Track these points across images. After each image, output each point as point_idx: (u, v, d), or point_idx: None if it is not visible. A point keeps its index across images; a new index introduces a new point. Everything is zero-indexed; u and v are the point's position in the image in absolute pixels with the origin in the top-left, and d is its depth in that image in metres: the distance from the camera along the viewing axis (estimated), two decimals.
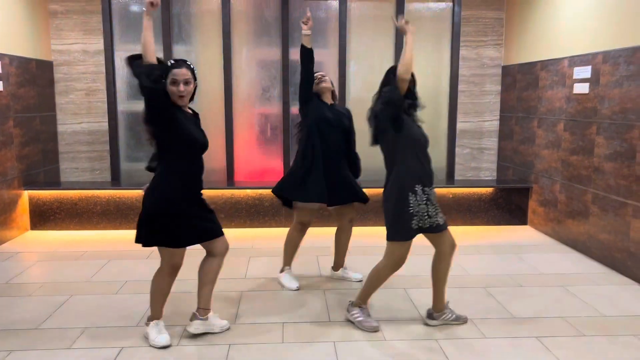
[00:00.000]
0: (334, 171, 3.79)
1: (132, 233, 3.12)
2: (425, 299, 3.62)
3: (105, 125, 6.17)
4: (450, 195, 5.91)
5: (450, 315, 3.35)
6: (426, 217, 3.09)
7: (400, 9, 6.10)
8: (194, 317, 3.15)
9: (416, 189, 3.06)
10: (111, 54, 6.03)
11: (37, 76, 5.71)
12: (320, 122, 3.76)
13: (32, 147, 5.63)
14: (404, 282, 4.02)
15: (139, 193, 5.59)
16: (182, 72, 2.90)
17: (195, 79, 3.00)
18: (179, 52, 6.11)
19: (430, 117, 6.36)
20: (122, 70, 6.10)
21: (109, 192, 5.66)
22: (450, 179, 6.38)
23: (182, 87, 2.89)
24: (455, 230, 5.64)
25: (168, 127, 2.88)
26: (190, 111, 3.08)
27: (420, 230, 3.12)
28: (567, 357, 2.96)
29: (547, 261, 4.68)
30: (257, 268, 4.44)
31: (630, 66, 4.17)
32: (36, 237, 5.41)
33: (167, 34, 5.99)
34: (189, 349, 3.03)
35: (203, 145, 3.02)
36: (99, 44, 6.06)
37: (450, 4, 6.22)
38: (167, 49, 6.01)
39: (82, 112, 6.16)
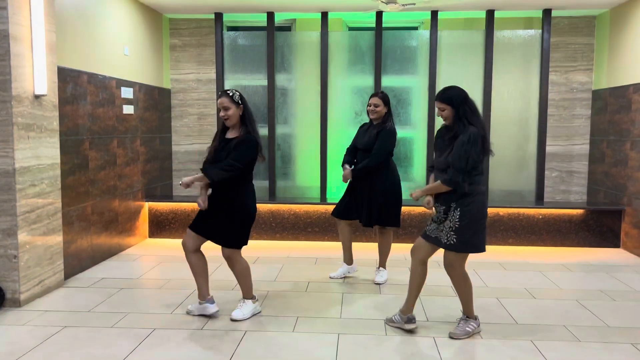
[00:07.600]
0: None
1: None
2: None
3: None
4: (540, 216, 6.02)
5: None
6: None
7: (489, 36, 6.38)
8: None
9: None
10: (222, 82, 6.72)
11: (158, 102, 6.49)
12: None
13: (153, 164, 6.36)
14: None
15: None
16: (220, 102, 3.56)
17: (238, 104, 3.55)
18: (280, 79, 6.71)
19: (519, 140, 6.54)
20: None
21: None
22: (539, 201, 6.47)
23: (222, 113, 3.57)
24: (545, 250, 5.81)
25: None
26: (234, 134, 3.62)
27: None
28: None
29: None
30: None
31: None
32: (155, 243, 6.07)
33: (271, 64, 6.61)
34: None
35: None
36: (211, 73, 6.78)
37: (540, 31, 6.42)
38: (271, 78, 6.62)
39: (194, 134, 6.88)
